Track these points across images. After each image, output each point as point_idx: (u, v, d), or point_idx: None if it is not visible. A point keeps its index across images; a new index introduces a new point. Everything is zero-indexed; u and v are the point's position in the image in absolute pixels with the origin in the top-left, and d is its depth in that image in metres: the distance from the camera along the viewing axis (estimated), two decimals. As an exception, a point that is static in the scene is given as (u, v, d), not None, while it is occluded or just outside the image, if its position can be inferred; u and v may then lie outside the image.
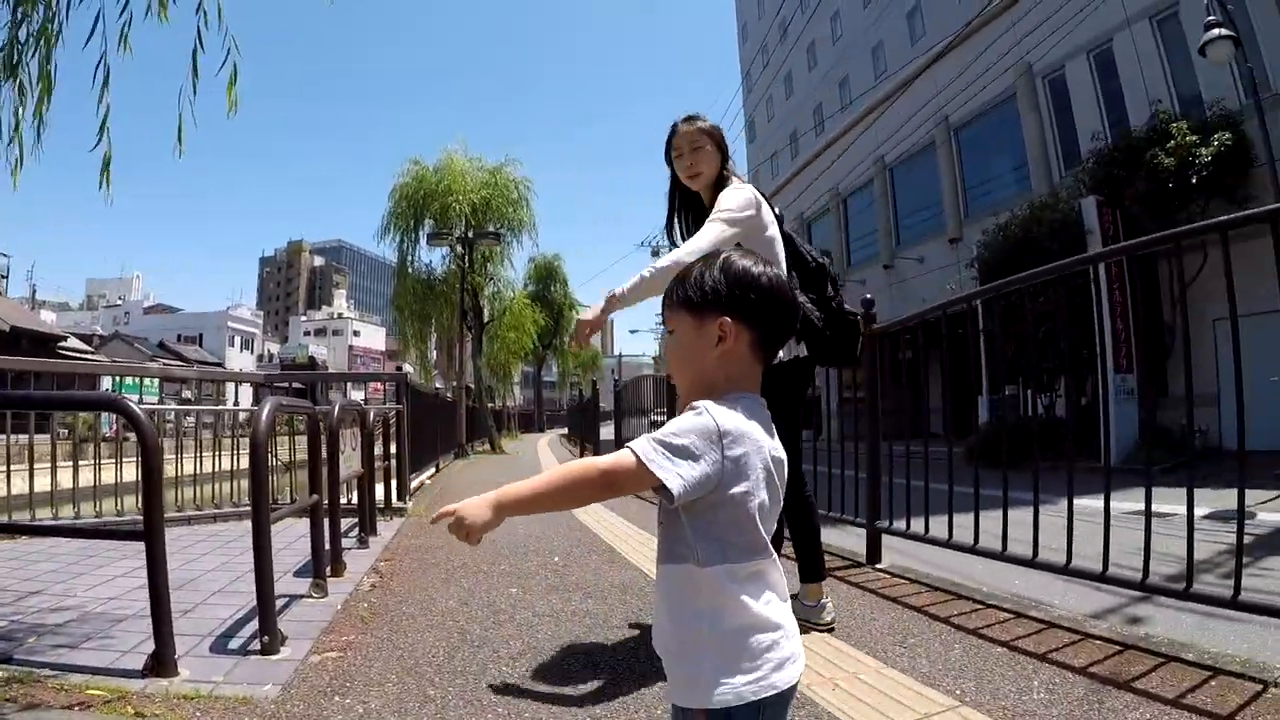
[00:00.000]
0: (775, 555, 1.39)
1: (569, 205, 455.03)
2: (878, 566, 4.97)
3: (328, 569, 4.50)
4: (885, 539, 5.16)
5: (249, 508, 3.43)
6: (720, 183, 3.43)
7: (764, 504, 1.35)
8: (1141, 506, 3.36)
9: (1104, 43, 19.02)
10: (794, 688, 1.33)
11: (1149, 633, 3.53)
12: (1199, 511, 3.25)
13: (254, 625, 3.40)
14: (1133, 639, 3.28)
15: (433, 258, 28.34)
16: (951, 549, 4.58)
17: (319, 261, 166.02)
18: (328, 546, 4.49)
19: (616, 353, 66.61)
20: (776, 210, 3.50)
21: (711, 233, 3.09)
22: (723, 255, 1.49)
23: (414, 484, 9.55)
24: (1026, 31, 20.49)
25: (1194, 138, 14.78)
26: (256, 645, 3.29)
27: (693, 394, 1.43)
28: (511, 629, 3.67)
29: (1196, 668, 2.86)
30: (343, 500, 4.93)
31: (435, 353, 32.76)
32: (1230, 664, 2.87)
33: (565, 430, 36.03)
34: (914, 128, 25.82)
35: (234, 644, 3.42)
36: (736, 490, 1.32)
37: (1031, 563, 3.92)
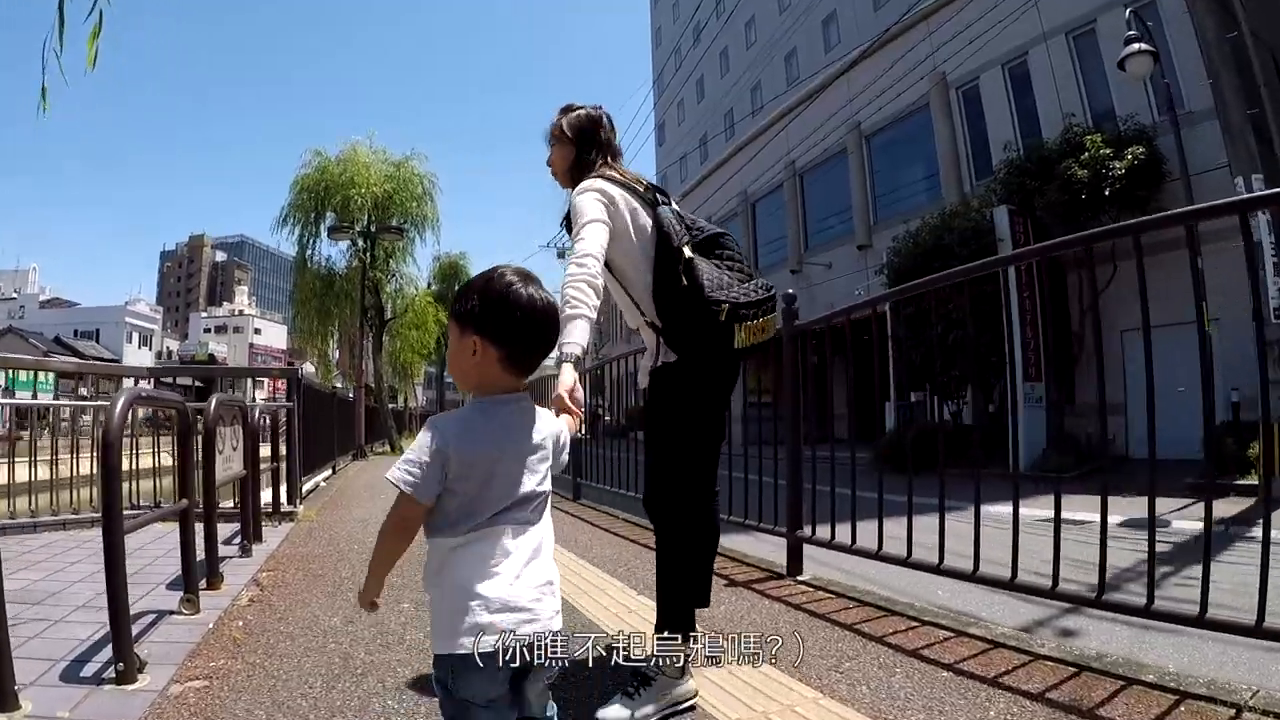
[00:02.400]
0: (506, 528, 1.68)
1: (476, 205, 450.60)
2: (799, 579, 4.72)
3: (202, 582, 4.11)
4: (805, 549, 4.92)
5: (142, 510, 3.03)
6: (580, 175, 3.06)
7: (485, 486, 1.67)
8: (1050, 514, 3.31)
9: (1019, 56, 19.37)
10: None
11: (1098, 650, 3.37)
12: (1113, 519, 3.17)
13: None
14: (1085, 659, 3.09)
15: (334, 252, 27.59)
16: (881, 560, 4.37)
17: (221, 257, 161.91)
18: (202, 556, 4.10)
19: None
20: (643, 189, 3.03)
21: (580, 242, 2.77)
22: (491, 275, 1.77)
23: (307, 487, 9.09)
24: (942, 42, 20.75)
25: (1107, 150, 15.11)
26: (111, 673, 2.90)
27: (465, 392, 1.80)
28: (401, 653, 3.31)
29: (1160, 691, 2.68)
30: (225, 504, 4.53)
31: (337, 352, 31.90)
32: (1195, 686, 2.69)
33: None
34: (826, 133, 25.89)
35: (87, 670, 3.02)
36: (456, 482, 1.66)
37: (972, 577, 3.73)
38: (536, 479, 1.75)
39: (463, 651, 1.58)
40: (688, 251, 2.80)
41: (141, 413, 7.19)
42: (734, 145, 33.95)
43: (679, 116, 44.93)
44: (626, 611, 4.07)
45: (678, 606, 2.88)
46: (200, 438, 4.19)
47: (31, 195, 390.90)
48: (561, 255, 55.54)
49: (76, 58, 3.29)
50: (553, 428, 1.85)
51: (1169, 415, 3.55)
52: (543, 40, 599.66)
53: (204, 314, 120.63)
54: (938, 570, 3.89)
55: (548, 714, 1.79)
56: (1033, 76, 19.12)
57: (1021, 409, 14.93)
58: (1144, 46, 13.11)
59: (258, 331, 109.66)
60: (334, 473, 13.06)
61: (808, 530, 4.88)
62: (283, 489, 7.23)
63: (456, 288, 25.65)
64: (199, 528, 4.01)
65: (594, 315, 2.69)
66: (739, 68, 37.31)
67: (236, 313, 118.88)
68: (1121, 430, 13.60)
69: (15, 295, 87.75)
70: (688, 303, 2.74)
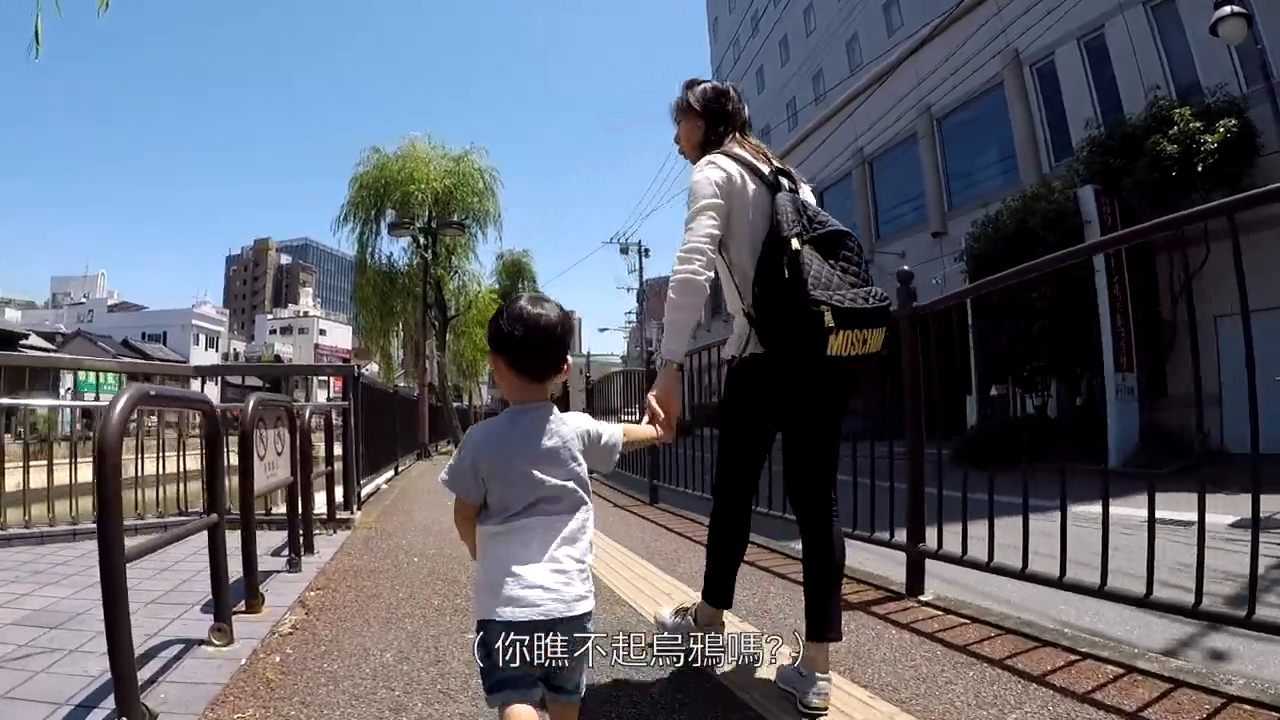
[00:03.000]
0: (532, 520, 1.89)
1: (536, 203, 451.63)
2: (921, 599, 4.09)
3: (240, 603, 3.61)
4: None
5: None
6: (707, 150, 3.01)
7: (507, 484, 1.90)
8: (1145, 514, 3.10)
9: (1095, 30, 18.34)
10: (535, 622, 1.79)
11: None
12: (1224, 519, 2.73)
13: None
14: None
15: (394, 249, 27.21)
16: (993, 573, 3.83)
17: (285, 260, 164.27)
18: (240, 574, 3.59)
19: (585, 351, 65.46)
20: (768, 169, 2.91)
21: (688, 233, 2.80)
22: (504, 303, 2.06)
23: (367, 490, 8.62)
24: (1013, 18, 19.87)
25: (1197, 124, 14.10)
26: (116, 726, 2.37)
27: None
28: (466, 703, 2.70)
29: None
30: (278, 509, 4.00)
31: (401, 351, 31.69)
32: None
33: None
34: (895, 118, 24.95)
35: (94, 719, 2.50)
36: (487, 481, 1.91)
37: (1099, 592, 3.25)
38: (562, 477, 1.93)
39: (493, 618, 1.80)
40: (795, 244, 2.62)
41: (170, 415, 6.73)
42: (798, 134, 33.07)
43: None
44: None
45: (710, 580, 3.11)
46: (237, 442, 3.67)
47: (100, 202, 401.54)
48: (625, 251, 55.35)
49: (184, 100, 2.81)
50: (577, 428, 2.02)
51: (1272, 407, 3.05)
52: (599, 38, 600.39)
53: (269, 316, 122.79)
54: (1060, 584, 3.44)
55: (573, 685, 1.91)
56: (1110, 50, 18.07)
57: (1112, 401, 14.18)
58: (1236, 9, 12.37)
59: (323, 332, 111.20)
60: (396, 474, 12.63)
61: (931, 543, 4.22)
62: (339, 494, 6.72)
63: (520, 285, 25.34)
64: (234, 542, 3.49)
65: (695, 314, 2.76)
66: (799, 56, 36.34)
67: (301, 314, 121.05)
68: (1217, 424, 12.71)
69: (84, 300, 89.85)
70: (786, 297, 2.60)
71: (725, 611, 3.18)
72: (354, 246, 26.76)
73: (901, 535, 4.37)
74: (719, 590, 3.08)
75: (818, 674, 2.63)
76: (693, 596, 3.46)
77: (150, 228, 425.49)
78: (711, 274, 2.75)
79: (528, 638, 1.78)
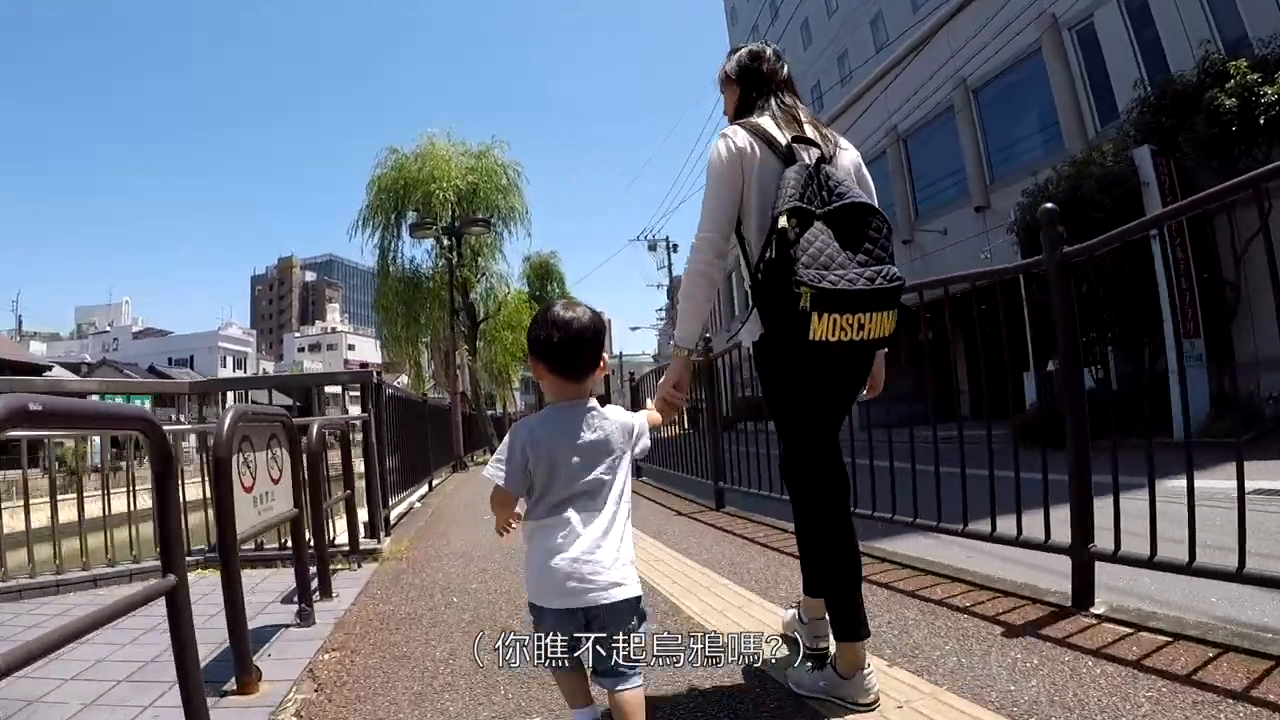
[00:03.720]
0: (573, 515, 2.00)
1: (558, 202, 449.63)
2: (1094, 612, 3.23)
3: (230, 682, 2.74)
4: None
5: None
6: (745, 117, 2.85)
7: (552, 477, 2.02)
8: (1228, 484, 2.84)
9: (1136, -11, 17.53)
10: (573, 610, 1.95)
11: None
12: None
13: None
14: None
15: (418, 253, 26.19)
16: (1194, 575, 3.07)
17: (310, 277, 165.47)
18: (226, 644, 2.71)
19: (617, 351, 64.55)
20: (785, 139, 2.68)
21: (702, 218, 2.72)
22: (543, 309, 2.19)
23: (398, 511, 7.76)
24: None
25: (1255, 75, 13.34)
26: None
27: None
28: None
29: None
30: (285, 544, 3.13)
31: (431, 362, 30.74)
32: None
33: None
34: (929, 93, 24.01)
35: None
36: (534, 470, 2.03)
37: None
38: (601, 471, 2.04)
39: (538, 603, 2.01)
40: (783, 220, 2.40)
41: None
42: (827, 116, 32.07)
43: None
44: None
45: (811, 573, 2.87)
46: (212, 470, 2.81)
47: (121, 229, 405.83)
48: (653, 248, 54.63)
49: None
50: (621, 422, 2.13)
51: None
52: (614, 28, 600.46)
53: (297, 334, 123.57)
54: (1239, 577, 2.83)
55: (626, 667, 1.98)
56: (1152, 7, 17.25)
57: (1176, 370, 13.21)
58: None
59: (351, 347, 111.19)
60: (430, 489, 11.78)
61: (1104, 543, 3.32)
62: (363, 520, 5.81)
63: (549, 287, 24.85)
64: (201, 606, 2.60)
65: (706, 303, 2.72)
66: (822, 38, 35.42)
67: (329, 330, 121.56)
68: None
69: (109, 328, 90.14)
70: (773, 276, 2.43)
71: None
72: (374, 253, 25.83)
73: (1037, 532, 3.61)
74: (815, 579, 2.85)
75: (860, 671, 2.52)
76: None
77: (174, 253, 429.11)
78: (724, 262, 2.69)
79: (571, 625, 1.96)
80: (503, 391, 39.04)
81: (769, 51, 2.93)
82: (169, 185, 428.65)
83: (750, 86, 2.89)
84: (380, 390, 6.59)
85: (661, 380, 2.72)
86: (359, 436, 6.39)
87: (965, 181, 23.69)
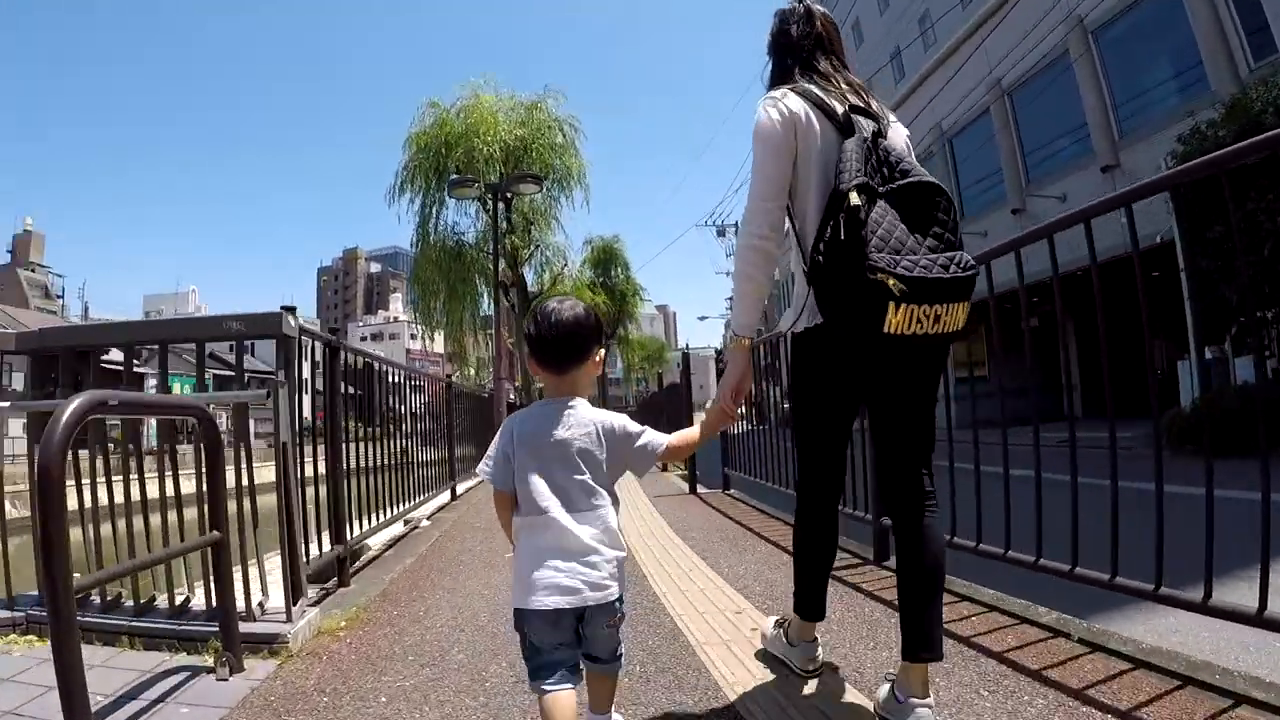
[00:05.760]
0: (552, 515, 1.94)
1: (613, 187, 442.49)
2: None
3: None
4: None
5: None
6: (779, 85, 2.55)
7: (532, 473, 1.96)
8: None
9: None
10: (554, 610, 1.88)
11: None
12: None
13: None
14: None
15: (461, 219, 23.35)
16: None
17: (375, 268, 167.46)
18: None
19: (684, 344, 62.00)
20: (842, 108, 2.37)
21: (750, 195, 2.43)
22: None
23: (383, 537, 5.32)
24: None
25: None
26: None
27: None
28: None
29: None
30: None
31: (477, 344, 28.28)
32: None
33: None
34: (1038, 39, 20.94)
35: None
36: (516, 470, 2.00)
37: None
38: (574, 470, 1.98)
39: (526, 607, 1.92)
40: (854, 198, 2.14)
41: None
42: (918, 76, 29.06)
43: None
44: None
45: (799, 590, 2.71)
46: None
47: (190, 219, 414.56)
48: (721, 233, 51.70)
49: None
50: (594, 420, 2.04)
51: None
52: (668, 13, 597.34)
53: (360, 324, 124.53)
54: None
55: (607, 652, 2.00)
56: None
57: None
58: None
59: (414, 337, 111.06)
60: (454, 497, 9.36)
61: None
62: (270, 572, 3.27)
63: (613, 273, 22.68)
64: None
65: (766, 283, 2.46)
66: (901, 1, 32.62)
67: (392, 319, 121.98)
68: None
69: (175, 316, 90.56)
70: (841, 260, 2.16)
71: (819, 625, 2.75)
72: (414, 220, 23.08)
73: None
74: (809, 601, 2.67)
75: (914, 699, 2.19)
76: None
77: (242, 245, 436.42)
78: (781, 236, 2.45)
79: (553, 626, 1.91)
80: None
81: (801, 9, 2.59)
82: (240, 180, 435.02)
83: (783, 54, 2.61)
84: (338, 353, 4.03)
85: (721, 381, 2.53)
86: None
87: (1087, 139, 20.61)
